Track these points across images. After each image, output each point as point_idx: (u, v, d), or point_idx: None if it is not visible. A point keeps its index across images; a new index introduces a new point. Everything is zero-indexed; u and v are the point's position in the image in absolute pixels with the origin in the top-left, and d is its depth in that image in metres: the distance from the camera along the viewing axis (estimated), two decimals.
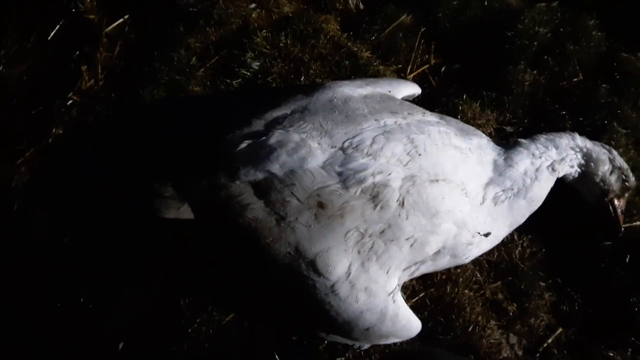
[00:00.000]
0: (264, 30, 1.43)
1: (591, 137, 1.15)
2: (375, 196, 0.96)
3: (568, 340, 1.19)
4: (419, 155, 0.99)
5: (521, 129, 1.36)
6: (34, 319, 1.17)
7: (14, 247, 1.23)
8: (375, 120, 1.03)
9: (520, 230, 1.17)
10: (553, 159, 1.07)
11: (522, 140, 1.09)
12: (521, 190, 1.04)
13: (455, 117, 1.28)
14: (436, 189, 1.00)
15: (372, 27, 1.48)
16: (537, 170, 1.05)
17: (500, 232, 1.08)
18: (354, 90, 1.12)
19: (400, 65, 1.45)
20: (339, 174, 0.97)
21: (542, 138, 1.09)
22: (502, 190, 1.04)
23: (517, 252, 1.25)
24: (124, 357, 1.12)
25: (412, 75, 1.44)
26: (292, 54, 1.41)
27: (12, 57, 1.39)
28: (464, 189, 1.02)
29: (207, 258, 1.16)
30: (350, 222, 0.96)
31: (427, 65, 1.46)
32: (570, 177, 1.11)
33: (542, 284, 1.23)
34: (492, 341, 1.16)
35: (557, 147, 1.07)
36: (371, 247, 0.98)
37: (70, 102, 1.36)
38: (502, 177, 1.04)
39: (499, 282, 1.23)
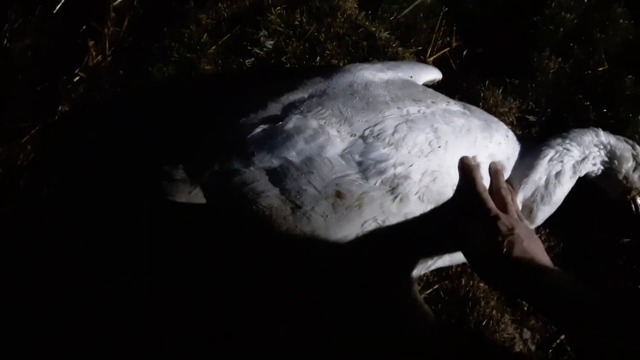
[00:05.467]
0: (279, 7, 1.37)
1: (614, 129, 1.11)
2: (394, 188, 0.93)
3: None
4: (439, 147, 0.96)
5: (544, 118, 1.32)
6: (41, 300, 1.14)
7: (19, 226, 1.20)
8: (398, 108, 0.98)
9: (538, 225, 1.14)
10: (576, 159, 1.03)
11: (543, 144, 1.04)
12: (544, 197, 1.01)
13: (476, 104, 1.24)
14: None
15: (391, 7, 1.41)
16: (560, 173, 1.02)
17: None
18: (375, 74, 1.07)
19: (420, 47, 1.39)
20: (359, 163, 0.93)
21: (566, 137, 1.05)
22: (525, 204, 1.02)
23: None
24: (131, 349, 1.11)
25: (432, 58, 1.38)
26: (308, 33, 1.35)
27: (17, 31, 1.33)
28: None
29: (218, 244, 1.14)
30: (368, 213, 0.94)
31: (448, 48, 1.40)
32: (593, 175, 1.07)
33: None
34: (505, 336, 1.14)
35: (580, 145, 1.04)
36: None
37: (77, 78, 1.30)
38: (524, 185, 1.01)
39: None
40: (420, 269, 1.04)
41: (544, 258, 0.85)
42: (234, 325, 1.11)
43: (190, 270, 1.14)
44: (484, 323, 1.14)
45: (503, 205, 0.93)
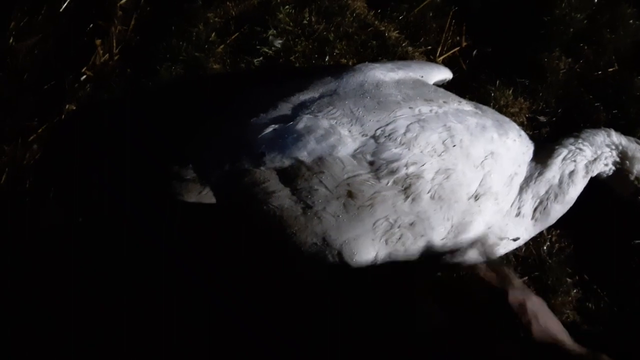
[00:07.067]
0: (287, 6, 1.36)
1: (625, 130, 1.11)
2: (407, 187, 0.92)
3: None
4: (454, 146, 0.95)
5: (554, 118, 1.32)
6: (41, 300, 1.14)
7: (26, 226, 1.20)
8: (410, 107, 0.98)
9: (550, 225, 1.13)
10: (588, 159, 1.03)
11: (556, 144, 1.04)
12: (558, 195, 1.01)
13: (487, 104, 1.23)
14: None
15: (400, 6, 1.41)
16: (573, 172, 1.02)
17: (530, 235, 1.06)
18: (386, 74, 1.07)
19: (429, 47, 1.38)
20: (371, 163, 0.93)
21: (578, 137, 1.05)
22: (539, 201, 1.01)
23: (545, 247, 1.22)
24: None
25: (442, 58, 1.38)
26: (317, 32, 1.34)
27: (23, 30, 1.32)
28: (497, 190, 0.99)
29: (228, 245, 1.13)
30: (380, 212, 0.93)
31: (458, 48, 1.39)
32: (604, 175, 1.07)
33: (569, 280, 1.20)
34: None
35: (592, 145, 1.03)
36: (399, 238, 0.95)
37: (84, 77, 1.30)
38: (537, 183, 1.01)
39: (526, 277, 1.20)
40: (431, 268, 1.04)
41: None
42: (234, 325, 1.10)
43: (191, 269, 1.13)
44: None
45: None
